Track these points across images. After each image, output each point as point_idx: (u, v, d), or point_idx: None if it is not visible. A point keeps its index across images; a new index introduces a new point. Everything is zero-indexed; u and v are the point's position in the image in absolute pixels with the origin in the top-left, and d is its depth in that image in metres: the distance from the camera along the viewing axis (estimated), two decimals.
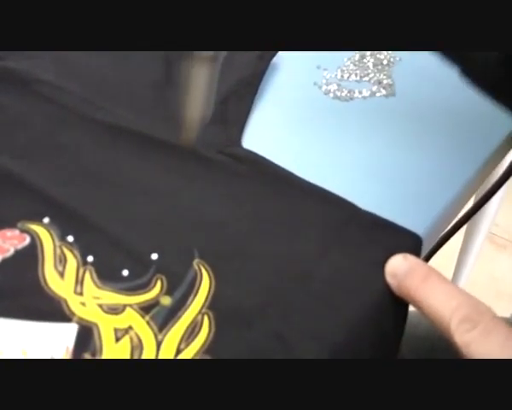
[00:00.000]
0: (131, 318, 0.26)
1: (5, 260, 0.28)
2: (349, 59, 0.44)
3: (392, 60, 0.45)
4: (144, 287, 0.27)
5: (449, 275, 1.01)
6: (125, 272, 0.28)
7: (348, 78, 0.43)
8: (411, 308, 0.28)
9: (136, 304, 0.26)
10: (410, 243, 0.30)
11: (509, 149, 0.41)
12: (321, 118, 0.39)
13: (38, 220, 0.30)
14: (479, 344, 0.23)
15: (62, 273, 0.27)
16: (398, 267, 0.27)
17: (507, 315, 1.18)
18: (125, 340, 0.25)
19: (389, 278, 0.28)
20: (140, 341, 0.25)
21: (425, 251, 0.31)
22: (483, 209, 0.86)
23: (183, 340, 0.25)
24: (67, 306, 0.26)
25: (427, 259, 0.48)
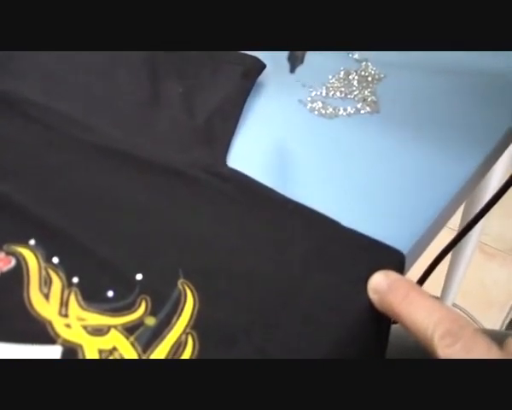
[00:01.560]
0: (116, 339, 0.26)
1: None
2: (334, 76, 0.45)
3: (376, 77, 0.45)
4: (129, 308, 0.27)
5: (439, 284, 1.01)
6: (110, 293, 0.28)
7: (333, 95, 0.43)
8: None
9: (121, 325, 0.26)
10: (393, 259, 0.30)
11: (489, 169, 0.41)
12: (306, 135, 0.40)
13: (24, 242, 0.30)
14: (461, 358, 0.24)
15: (47, 295, 0.28)
16: (380, 283, 0.28)
17: (497, 323, 1.18)
18: None
19: (371, 295, 0.28)
20: None
21: (409, 267, 0.32)
22: None
23: None
24: (52, 328, 0.26)
25: (422, 281, 0.48)
